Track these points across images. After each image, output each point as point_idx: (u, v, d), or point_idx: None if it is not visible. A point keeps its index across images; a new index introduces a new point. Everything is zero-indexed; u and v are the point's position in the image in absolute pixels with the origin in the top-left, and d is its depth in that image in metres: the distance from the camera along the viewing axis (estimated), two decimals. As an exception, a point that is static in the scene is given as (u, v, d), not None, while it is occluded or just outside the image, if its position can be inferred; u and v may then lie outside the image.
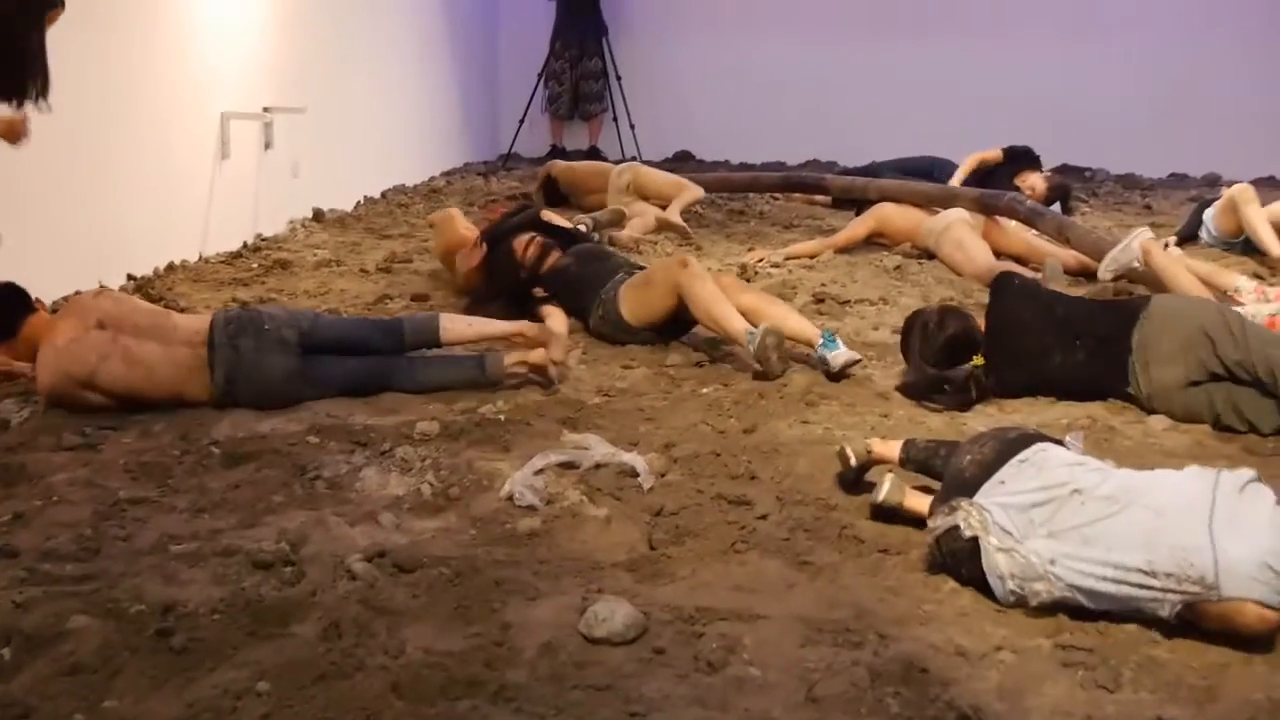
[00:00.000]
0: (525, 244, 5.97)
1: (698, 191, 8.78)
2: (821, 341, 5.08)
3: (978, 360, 4.73)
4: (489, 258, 6.06)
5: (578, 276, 5.84)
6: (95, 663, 2.71)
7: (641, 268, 5.86)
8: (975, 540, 3.19)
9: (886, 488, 3.63)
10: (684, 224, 8.38)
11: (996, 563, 3.15)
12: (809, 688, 2.71)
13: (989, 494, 3.31)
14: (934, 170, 9.23)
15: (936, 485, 3.62)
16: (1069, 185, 8.91)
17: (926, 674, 2.76)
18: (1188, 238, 7.95)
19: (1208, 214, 7.88)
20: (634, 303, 5.53)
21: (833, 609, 3.11)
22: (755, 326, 5.06)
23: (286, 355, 4.57)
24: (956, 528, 3.23)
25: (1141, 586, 3.00)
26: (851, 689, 2.69)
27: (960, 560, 3.23)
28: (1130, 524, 3.08)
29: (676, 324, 5.54)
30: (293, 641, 2.84)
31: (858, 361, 5.06)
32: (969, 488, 3.36)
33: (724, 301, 5.21)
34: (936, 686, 2.71)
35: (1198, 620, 2.97)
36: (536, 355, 4.88)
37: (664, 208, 8.46)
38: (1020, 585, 3.12)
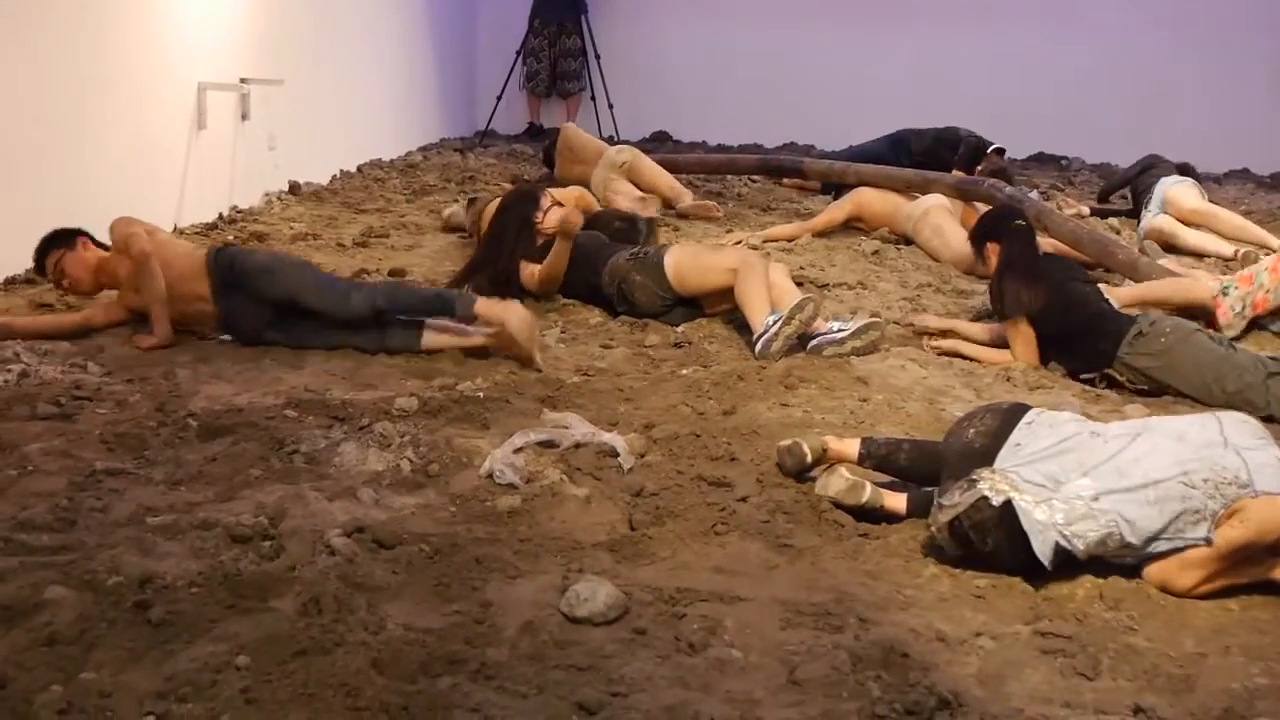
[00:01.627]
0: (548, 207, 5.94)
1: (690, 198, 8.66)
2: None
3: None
4: (501, 217, 6.00)
5: (592, 243, 5.92)
6: (72, 634, 2.68)
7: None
8: (1005, 506, 3.20)
9: (842, 485, 3.63)
10: (711, 202, 8.54)
11: (1036, 517, 3.20)
12: (790, 670, 2.71)
13: (1008, 459, 3.39)
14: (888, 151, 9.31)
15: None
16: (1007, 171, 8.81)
17: (907, 658, 2.77)
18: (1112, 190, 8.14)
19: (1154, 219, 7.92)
20: (687, 268, 5.57)
21: (813, 592, 3.11)
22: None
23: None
24: (984, 498, 3.23)
25: (1183, 499, 3.19)
26: (833, 672, 2.69)
27: (986, 530, 3.21)
28: (1156, 447, 3.32)
29: (696, 304, 5.66)
30: (272, 616, 2.82)
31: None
32: (985, 457, 3.42)
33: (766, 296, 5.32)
34: (917, 671, 2.72)
35: (1231, 537, 3.14)
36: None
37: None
38: (1067, 530, 3.18)
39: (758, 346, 5.11)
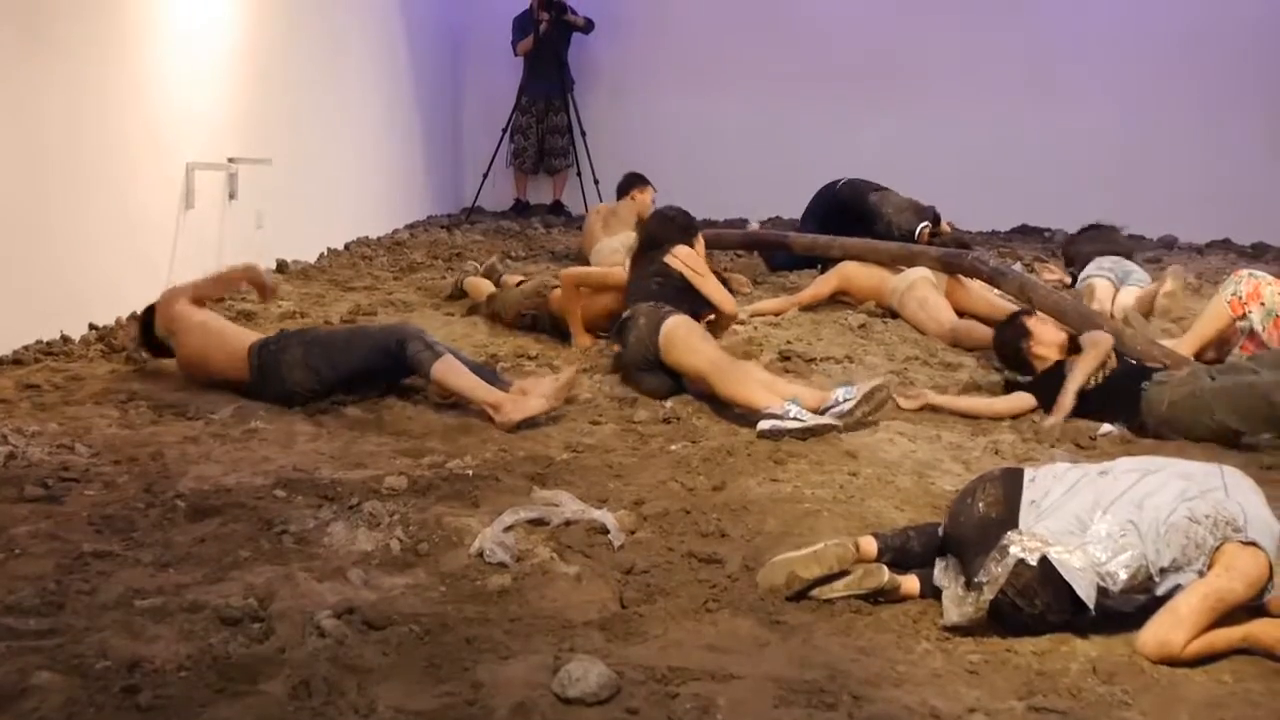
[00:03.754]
0: None
1: None
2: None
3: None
4: None
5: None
6: (60, 720, 2.66)
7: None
8: (1043, 562, 3.27)
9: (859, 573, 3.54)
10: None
11: (1074, 565, 3.27)
12: (784, 750, 2.69)
13: (1029, 518, 3.47)
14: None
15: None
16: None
17: (902, 736, 2.75)
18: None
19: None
20: (677, 340, 5.60)
21: (806, 669, 3.09)
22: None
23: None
24: (1021, 561, 3.28)
25: (1187, 533, 3.34)
26: (827, 751, 2.68)
27: (1033, 592, 3.27)
28: (1164, 484, 3.48)
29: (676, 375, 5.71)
30: (262, 699, 2.81)
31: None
32: (1005, 524, 3.46)
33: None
34: (912, 749, 2.70)
35: (1218, 585, 3.26)
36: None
37: None
38: (1103, 569, 3.28)
39: (766, 425, 5.07)
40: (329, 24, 9.55)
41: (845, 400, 5.22)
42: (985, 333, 6.86)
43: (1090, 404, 5.49)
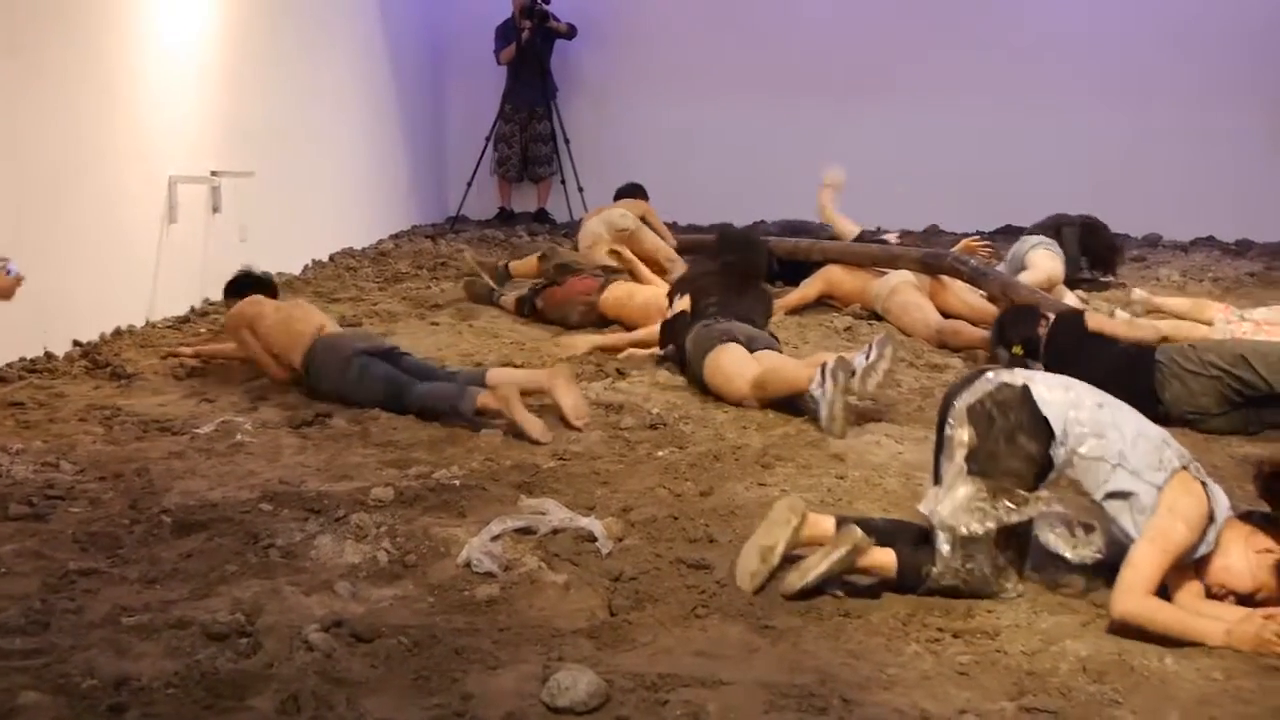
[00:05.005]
0: None
1: None
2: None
3: (1017, 349, 5.83)
4: None
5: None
6: (47, 740, 2.65)
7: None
8: (1025, 389, 3.59)
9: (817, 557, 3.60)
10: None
11: (1051, 400, 3.59)
12: (775, 755, 2.69)
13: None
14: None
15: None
16: None
17: (892, 739, 2.75)
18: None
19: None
20: (712, 372, 5.76)
21: (796, 674, 3.09)
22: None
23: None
24: (1006, 383, 3.63)
25: (1159, 448, 3.54)
26: (818, 755, 2.67)
27: (1010, 407, 3.58)
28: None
29: None
30: (250, 715, 2.80)
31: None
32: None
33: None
34: (903, 752, 2.70)
35: (1161, 514, 3.43)
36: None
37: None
38: (1074, 418, 3.56)
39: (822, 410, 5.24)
40: (310, 35, 9.54)
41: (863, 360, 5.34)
42: (971, 333, 6.88)
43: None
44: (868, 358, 5.31)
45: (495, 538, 3.84)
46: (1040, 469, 3.56)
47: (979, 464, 3.56)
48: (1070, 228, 8.77)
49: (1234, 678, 3.12)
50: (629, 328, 7.05)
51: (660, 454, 4.90)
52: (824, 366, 5.28)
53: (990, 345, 6.30)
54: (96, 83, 6.54)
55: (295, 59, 9.23)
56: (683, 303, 6.27)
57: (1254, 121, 11.96)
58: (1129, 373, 5.41)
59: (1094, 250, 8.78)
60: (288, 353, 5.69)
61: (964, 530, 3.51)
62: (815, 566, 3.51)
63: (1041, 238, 8.32)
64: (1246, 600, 3.41)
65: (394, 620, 3.32)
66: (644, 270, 7.67)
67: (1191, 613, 3.39)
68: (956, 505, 3.54)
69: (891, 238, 8.66)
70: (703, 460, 4.79)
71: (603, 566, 3.73)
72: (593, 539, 3.89)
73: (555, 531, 3.94)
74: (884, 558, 3.58)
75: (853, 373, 5.23)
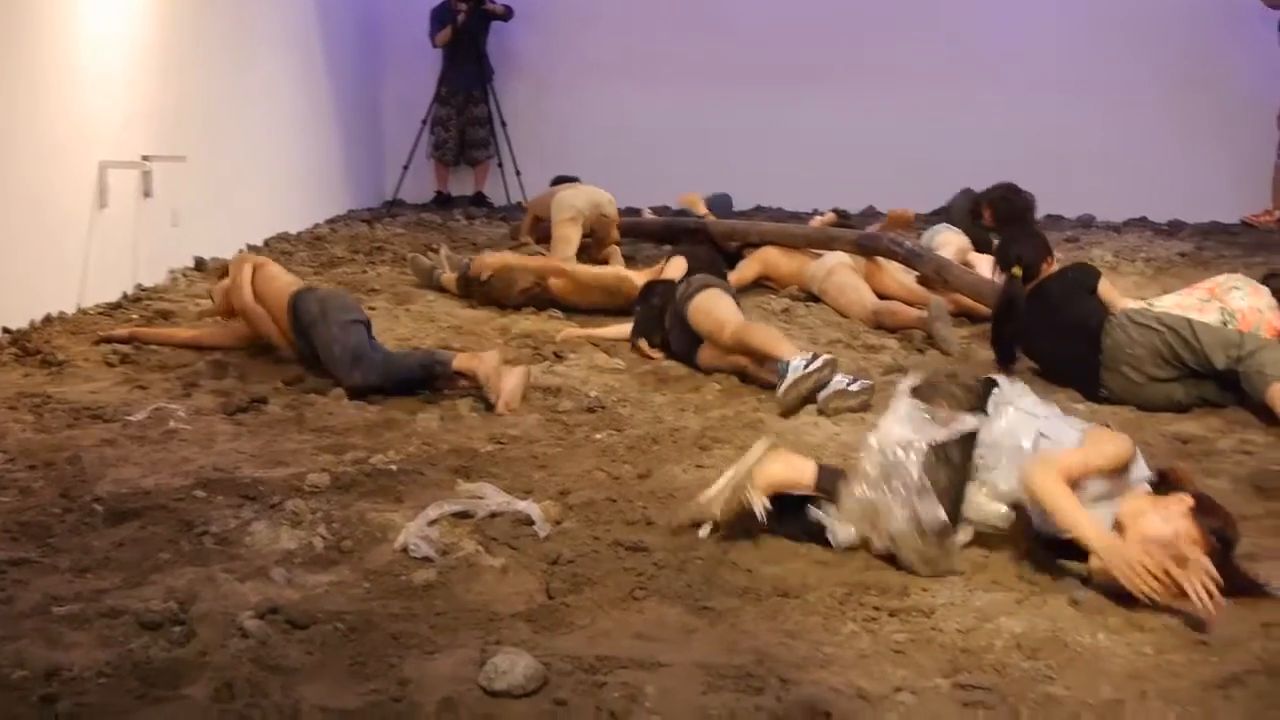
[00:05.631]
0: None
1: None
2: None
3: (1016, 270, 6.00)
4: None
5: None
6: (-24, 732, 2.61)
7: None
8: None
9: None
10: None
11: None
12: (713, 735, 2.70)
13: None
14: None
15: None
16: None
17: (829, 718, 2.76)
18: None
19: None
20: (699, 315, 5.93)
21: (734, 654, 3.10)
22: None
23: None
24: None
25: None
26: (755, 735, 2.69)
27: None
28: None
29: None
30: (184, 704, 2.77)
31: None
32: None
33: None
34: (839, 730, 2.71)
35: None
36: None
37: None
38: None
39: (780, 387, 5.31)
40: (241, 18, 9.44)
41: (850, 383, 5.33)
42: (907, 314, 6.93)
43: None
44: (850, 385, 5.29)
45: (432, 522, 3.82)
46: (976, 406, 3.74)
47: (920, 393, 3.75)
48: (960, 197, 8.87)
49: (1164, 652, 3.16)
50: (580, 309, 7.25)
51: (598, 437, 4.90)
52: (817, 354, 5.34)
53: (993, 265, 6.50)
54: (25, 68, 6.43)
55: (227, 42, 9.13)
56: (678, 264, 6.60)
57: (1186, 103, 12.11)
58: (1083, 316, 5.70)
59: (999, 214, 8.78)
60: (278, 305, 5.80)
61: (893, 447, 3.65)
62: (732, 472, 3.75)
63: (942, 223, 8.42)
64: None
65: (330, 606, 3.30)
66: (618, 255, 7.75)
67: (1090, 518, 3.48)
68: (891, 420, 3.73)
69: (816, 221, 8.72)
70: (641, 443, 4.79)
71: (540, 550, 3.73)
72: (530, 522, 3.88)
73: (493, 515, 3.93)
74: (804, 466, 3.82)
75: (828, 383, 5.26)
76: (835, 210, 9.10)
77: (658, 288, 6.44)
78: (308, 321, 5.64)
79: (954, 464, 3.64)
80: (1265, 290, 6.10)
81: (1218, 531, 3.44)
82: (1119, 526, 3.52)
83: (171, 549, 3.67)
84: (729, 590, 3.47)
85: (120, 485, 4.21)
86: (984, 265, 7.60)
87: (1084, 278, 6.08)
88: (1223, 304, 5.99)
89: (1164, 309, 5.89)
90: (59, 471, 4.34)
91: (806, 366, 5.23)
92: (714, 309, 5.88)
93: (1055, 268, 6.26)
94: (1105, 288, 6.03)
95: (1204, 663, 3.10)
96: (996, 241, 7.80)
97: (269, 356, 6.01)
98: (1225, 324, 5.82)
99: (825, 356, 5.31)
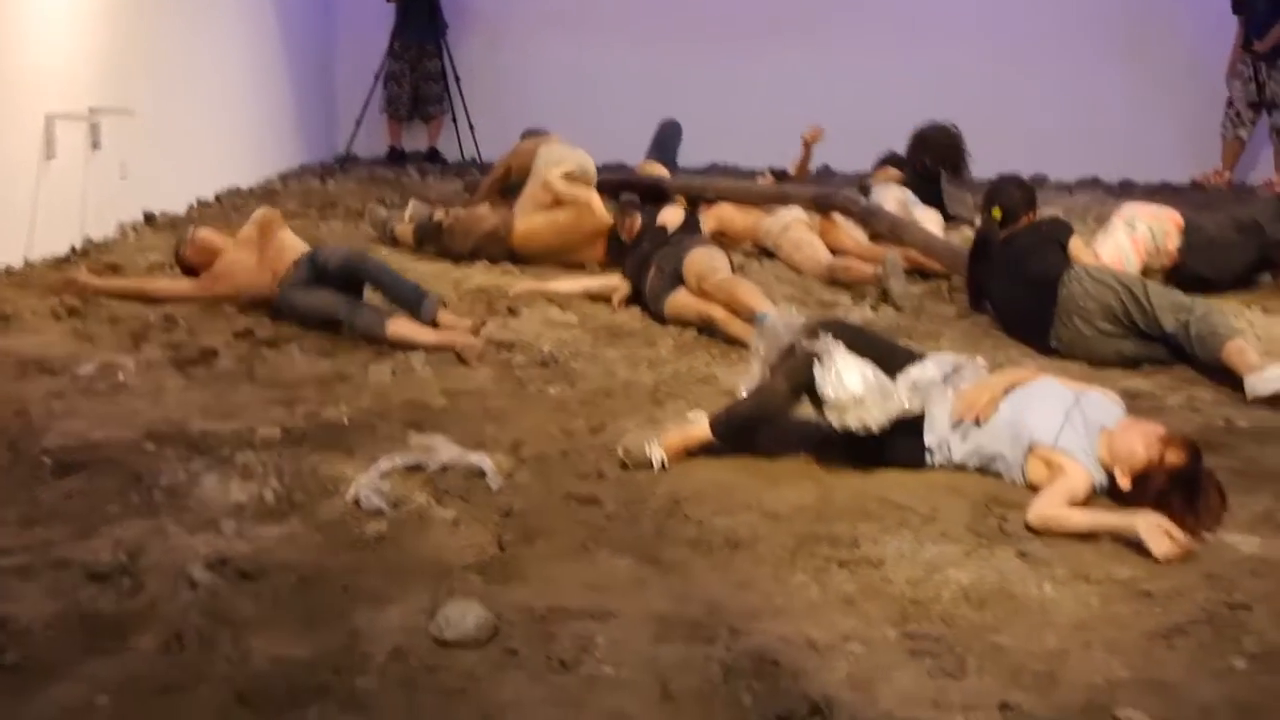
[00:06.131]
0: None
1: None
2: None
3: (996, 212, 6.22)
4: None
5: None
6: (-79, 683, 2.59)
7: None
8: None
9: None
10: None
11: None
12: (663, 685, 2.71)
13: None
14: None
15: None
16: None
17: (778, 666, 2.78)
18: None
19: None
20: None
21: (684, 605, 3.11)
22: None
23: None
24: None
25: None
26: (705, 684, 2.71)
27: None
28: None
29: None
30: (132, 655, 2.76)
31: None
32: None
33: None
34: (788, 679, 2.74)
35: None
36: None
37: None
38: None
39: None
40: (192, -32, 9.31)
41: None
42: (861, 269, 6.93)
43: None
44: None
45: (384, 475, 3.81)
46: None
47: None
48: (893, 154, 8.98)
49: (1110, 603, 3.20)
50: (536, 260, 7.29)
51: (551, 391, 4.90)
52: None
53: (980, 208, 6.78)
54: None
55: (177, -8, 9.01)
56: (676, 213, 6.81)
57: (1135, 62, 12.15)
58: (1046, 268, 5.76)
59: (933, 147, 8.85)
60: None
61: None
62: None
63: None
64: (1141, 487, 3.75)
65: (280, 558, 3.29)
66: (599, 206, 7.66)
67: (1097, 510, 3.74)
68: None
69: (763, 180, 8.75)
70: (594, 397, 4.79)
71: (492, 502, 3.73)
72: (482, 475, 3.88)
73: (445, 468, 3.93)
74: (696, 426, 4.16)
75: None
76: (772, 170, 9.08)
77: (647, 235, 6.56)
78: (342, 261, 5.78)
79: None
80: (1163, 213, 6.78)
81: (1189, 444, 3.83)
82: (1109, 462, 3.86)
83: (120, 501, 3.65)
84: (680, 541, 3.49)
85: (68, 438, 4.18)
86: (931, 222, 7.66)
87: (1056, 232, 6.16)
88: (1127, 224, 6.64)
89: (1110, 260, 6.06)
90: (6, 424, 4.30)
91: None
92: (715, 257, 6.09)
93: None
94: (1077, 245, 6.10)
95: (1148, 613, 3.14)
96: (947, 188, 7.94)
97: (220, 310, 5.97)
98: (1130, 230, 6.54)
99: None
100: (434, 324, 5.52)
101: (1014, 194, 6.42)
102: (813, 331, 4.10)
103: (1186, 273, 6.59)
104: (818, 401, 4.01)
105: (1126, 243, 6.61)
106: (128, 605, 2.99)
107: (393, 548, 3.41)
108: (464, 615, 2.89)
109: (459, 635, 2.86)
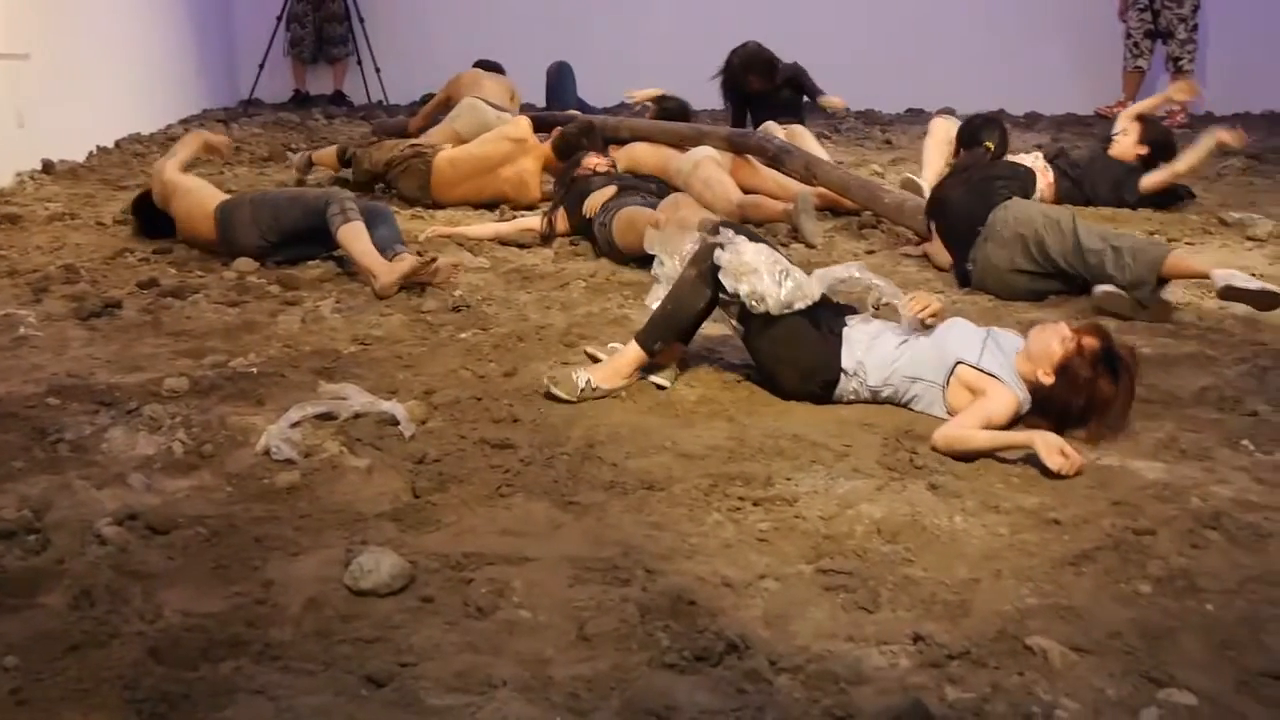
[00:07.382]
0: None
1: None
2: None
3: (989, 144, 6.79)
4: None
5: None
6: None
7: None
8: None
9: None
10: None
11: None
12: (580, 626, 2.72)
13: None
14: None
15: None
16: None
17: (694, 606, 2.80)
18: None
19: None
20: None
21: (600, 547, 3.12)
22: None
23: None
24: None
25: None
26: (622, 625, 2.71)
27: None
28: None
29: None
30: (41, 612, 2.72)
31: None
32: None
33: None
34: (705, 618, 2.75)
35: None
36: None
37: None
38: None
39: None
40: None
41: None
42: (771, 207, 6.93)
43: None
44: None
45: (295, 424, 3.77)
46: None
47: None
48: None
49: (1019, 532, 3.25)
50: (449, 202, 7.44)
51: (463, 336, 4.87)
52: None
53: (958, 147, 7.20)
54: None
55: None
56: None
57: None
58: (995, 189, 5.89)
59: (754, 65, 9.07)
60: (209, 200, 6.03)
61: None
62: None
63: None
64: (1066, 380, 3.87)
65: (191, 511, 3.25)
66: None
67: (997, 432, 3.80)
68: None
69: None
70: (506, 341, 4.77)
71: (406, 450, 3.71)
72: (395, 423, 3.85)
73: (356, 416, 3.89)
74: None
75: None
76: (662, 98, 9.03)
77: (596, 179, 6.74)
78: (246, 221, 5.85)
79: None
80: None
81: (1098, 327, 3.99)
82: (1029, 371, 3.93)
83: (24, 457, 3.59)
84: (595, 485, 3.49)
85: (-32, 394, 4.09)
86: (811, 142, 7.95)
87: (1028, 184, 6.58)
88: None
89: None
90: (-97, 381, 4.21)
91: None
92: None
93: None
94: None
95: (1056, 541, 3.19)
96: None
97: (123, 260, 5.87)
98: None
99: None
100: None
101: (1003, 132, 7.10)
102: (714, 230, 4.24)
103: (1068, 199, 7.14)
104: (727, 302, 4.17)
105: None
106: (34, 562, 2.94)
107: (305, 498, 3.38)
108: (379, 564, 2.87)
109: (374, 584, 2.84)
